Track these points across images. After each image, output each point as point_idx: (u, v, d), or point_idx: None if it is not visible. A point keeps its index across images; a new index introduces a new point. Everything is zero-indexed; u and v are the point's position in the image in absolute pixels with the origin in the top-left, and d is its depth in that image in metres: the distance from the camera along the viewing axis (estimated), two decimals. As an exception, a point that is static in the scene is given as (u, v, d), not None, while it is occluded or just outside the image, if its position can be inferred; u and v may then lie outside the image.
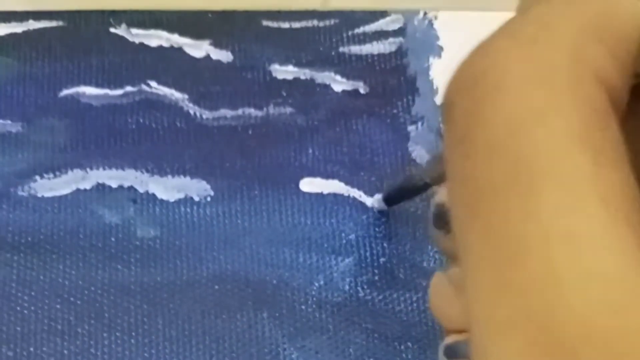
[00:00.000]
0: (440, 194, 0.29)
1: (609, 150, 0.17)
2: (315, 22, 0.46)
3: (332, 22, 0.46)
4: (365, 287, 0.40)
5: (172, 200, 0.42)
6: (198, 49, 0.45)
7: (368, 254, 0.41)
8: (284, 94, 0.44)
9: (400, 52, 0.46)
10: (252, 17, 0.46)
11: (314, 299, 0.40)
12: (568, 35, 0.18)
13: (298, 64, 0.45)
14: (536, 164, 0.17)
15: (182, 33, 0.46)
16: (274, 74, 0.45)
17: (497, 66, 0.18)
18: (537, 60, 0.18)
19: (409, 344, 0.40)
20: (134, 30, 0.45)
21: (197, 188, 0.42)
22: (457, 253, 0.23)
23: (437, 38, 0.47)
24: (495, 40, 0.19)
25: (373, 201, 0.42)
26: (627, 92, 0.19)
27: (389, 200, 0.42)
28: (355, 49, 0.46)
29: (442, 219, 0.28)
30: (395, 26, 0.47)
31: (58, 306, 0.39)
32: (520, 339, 0.17)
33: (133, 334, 0.39)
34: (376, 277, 0.41)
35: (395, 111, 0.44)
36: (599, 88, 0.18)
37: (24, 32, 0.45)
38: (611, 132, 0.18)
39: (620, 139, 0.18)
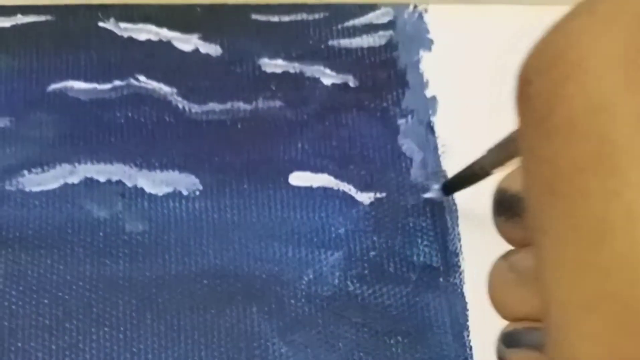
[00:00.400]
0: (502, 180, 0.28)
1: None
2: (304, 16, 0.46)
3: (322, 15, 0.46)
4: (354, 281, 0.40)
5: (160, 194, 0.41)
6: (187, 42, 0.45)
7: (357, 248, 0.41)
8: (273, 87, 0.44)
9: (390, 46, 0.46)
10: (241, 10, 0.46)
11: (303, 293, 0.40)
12: None
13: (287, 57, 0.45)
14: (619, 143, 0.17)
15: (171, 27, 0.45)
16: (263, 68, 0.45)
17: (577, 44, 0.18)
18: (618, 39, 0.18)
19: (399, 338, 0.39)
20: (123, 25, 0.45)
21: (186, 182, 0.42)
22: (527, 238, 0.22)
23: (428, 31, 0.46)
24: (574, 18, 0.19)
25: (433, 190, 0.42)
26: None
27: (447, 188, 0.42)
28: (345, 42, 0.46)
29: (503, 205, 0.27)
30: (385, 19, 0.47)
31: (46, 301, 0.39)
32: (604, 319, 0.17)
33: (121, 328, 0.39)
34: (366, 271, 0.40)
35: (385, 105, 0.44)
36: None
37: (12, 27, 0.45)
38: None
39: None
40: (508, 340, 0.30)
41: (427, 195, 0.42)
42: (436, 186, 0.42)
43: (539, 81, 0.18)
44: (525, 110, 0.19)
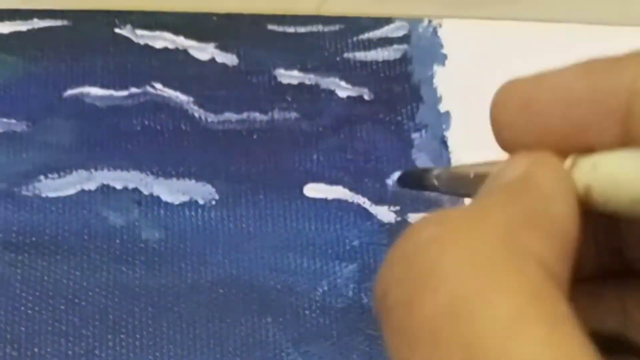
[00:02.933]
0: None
1: (562, 322, 0.17)
2: (320, 27, 0.47)
3: (337, 27, 0.47)
4: (369, 293, 0.41)
5: (176, 203, 0.42)
6: (203, 51, 0.45)
7: (372, 260, 0.41)
8: (289, 99, 0.45)
9: (404, 60, 0.46)
10: (257, 20, 0.46)
11: (318, 304, 0.40)
12: (500, 223, 0.18)
13: (303, 69, 0.45)
14: (487, 349, 0.16)
15: (187, 35, 0.46)
16: (279, 79, 0.45)
17: (428, 253, 0.18)
18: (470, 246, 0.18)
19: (412, 351, 0.40)
20: (139, 32, 0.45)
21: (202, 191, 0.42)
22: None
23: (442, 46, 0.47)
24: (424, 228, 0.19)
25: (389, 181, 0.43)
26: (569, 281, 0.19)
27: (401, 181, 0.42)
28: (360, 55, 0.46)
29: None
30: (400, 33, 0.47)
31: (62, 307, 0.39)
32: None
33: (138, 336, 0.39)
34: (380, 284, 0.41)
35: (399, 118, 0.45)
36: (537, 269, 0.18)
37: (29, 31, 0.45)
38: (560, 304, 0.17)
39: (571, 311, 0.17)
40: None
41: (390, 185, 0.42)
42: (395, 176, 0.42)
43: (395, 292, 0.18)
44: (386, 322, 0.18)
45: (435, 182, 0.38)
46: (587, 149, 0.21)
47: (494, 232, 0.18)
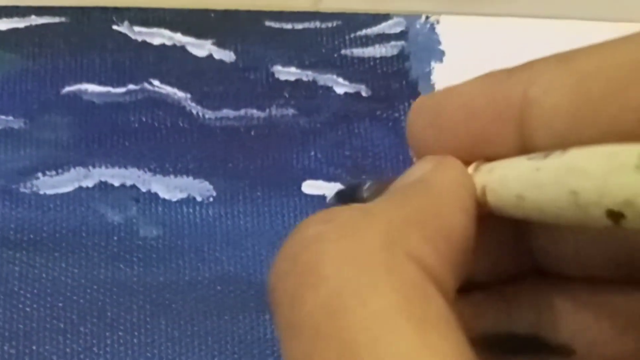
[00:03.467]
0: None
1: (434, 322, 0.17)
2: (317, 24, 0.47)
3: (335, 24, 0.47)
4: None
5: (174, 200, 0.42)
6: (201, 48, 0.45)
7: (369, 257, 0.41)
8: (287, 95, 0.45)
9: (402, 56, 0.46)
10: (254, 17, 0.46)
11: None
12: (384, 223, 0.19)
13: (300, 65, 0.45)
14: (360, 345, 0.17)
15: (185, 32, 0.46)
16: (276, 75, 0.45)
17: (311, 250, 0.18)
18: (351, 244, 0.18)
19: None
20: (137, 28, 0.45)
21: (200, 188, 0.42)
22: None
23: (439, 42, 0.47)
24: (309, 224, 0.19)
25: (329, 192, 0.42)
26: (456, 276, 0.19)
27: (338, 196, 0.42)
28: (358, 51, 0.46)
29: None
30: (398, 29, 0.47)
31: (60, 304, 0.39)
32: None
33: (136, 333, 0.39)
34: (377, 281, 0.41)
35: (397, 115, 0.45)
36: (415, 267, 0.18)
37: (26, 28, 0.45)
38: (435, 305, 0.18)
39: (448, 313, 0.18)
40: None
41: (328, 201, 0.42)
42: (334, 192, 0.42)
43: (281, 287, 0.19)
44: (275, 316, 0.19)
45: (365, 195, 0.38)
46: (492, 159, 0.22)
47: (376, 231, 0.19)
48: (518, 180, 0.20)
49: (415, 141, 0.23)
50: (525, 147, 0.21)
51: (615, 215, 0.18)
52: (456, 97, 0.22)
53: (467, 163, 0.22)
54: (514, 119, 0.21)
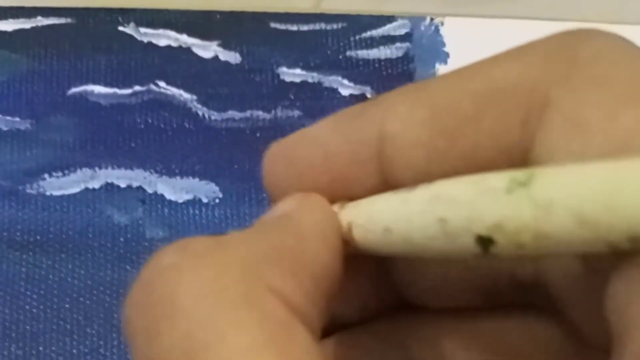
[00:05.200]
0: None
1: (299, 356, 0.17)
2: (322, 26, 0.47)
3: (340, 25, 0.47)
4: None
5: (180, 201, 0.42)
6: (206, 49, 0.45)
7: (375, 259, 0.41)
8: (292, 97, 0.45)
9: (406, 58, 0.46)
10: (260, 18, 0.47)
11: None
12: (241, 256, 0.18)
13: (306, 67, 0.46)
14: None
15: (191, 33, 0.46)
16: (281, 77, 0.45)
17: (166, 280, 0.17)
18: (207, 278, 0.17)
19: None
20: (143, 30, 0.45)
21: (206, 190, 0.42)
22: None
23: (444, 44, 0.47)
24: (164, 253, 0.18)
25: None
26: (320, 313, 0.19)
27: None
28: (363, 53, 0.46)
29: None
30: (402, 31, 0.47)
31: (67, 305, 0.39)
32: None
33: (142, 335, 0.39)
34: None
35: (401, 117, 0.45)
36: (277, 302, 0.17)
37: (32, 29, 0.45)
38: (301, 342, 0.17)
39: (313, 348, 0.17)
40: None
41: None
42: None
43: (135, 320, 0.18)
44: (131, 350, 0.18)
45: None
46: (356, 198, 0.21)
47: (234, 263, 0.17)
48: (385, 213, 0.19)
49: (272, 188, 0.22)
50: (387, 185, 0.20)
51: (484, 242, 0.17)
52: (310, 141, 0.21)
53: (330, 203, 0.21)
54: (372, 157, 0.20)
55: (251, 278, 0.17)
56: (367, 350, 0.23)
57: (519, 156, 0.19)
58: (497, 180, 0.17)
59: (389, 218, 0.19)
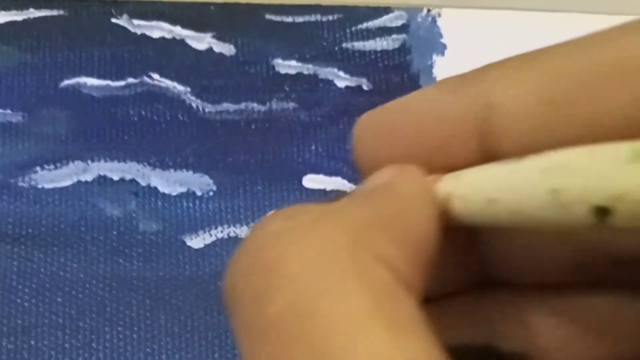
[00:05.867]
0: None
1: (407, 322, 0.17)
2: (318, 17, 0.46)
3: (336, 17, 0.46)
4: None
5: (174, 194, 0.41)
6: (200, 41, 0.45)
7: (371, 252, 0.41)
8: (287, 89, 0.44)
9: (403, 49, 0.46)
10: (254, 10, 0.46)
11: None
12: (350, 223, 0.18)
13: (301, 58, 0.45)
14: (332, 345, 0.16)
15: (184, 25, 0.45)
16: (276, 69, 0.45)
17: (275, 246, 0.18)
18: (315, 245, 0.17)
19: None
20: (136, 21, 0.45)
21: (200, 182, 0.42)
22: None
23: (441, 36, 0.46)
24: (272, 221, 0.19)
25: None
26: (422, 282, 0.19)
27: None
28: (359, 45, 0.46)
29: None
30: (399, 23, 0.47)
31: (59, 299, 0.39)
32: None
33: (135, 328, 0.39)
34: (379, 276, 0.41)
35: (398, 109, 0.44)
36: (383, 268, 0.17)
37: (24, 21, 0.44)
38: (406, 307, 0.17)
39: (419, 315, 0.17)
40: None
41: None
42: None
43: (242, 286, 0.18)
44: (235, 316, 0.18)
45: None
46: (452, 170, 0.21)
47: (342, 231, 0.18)
48: (490, 184, 0.19)
49: (364, 159, 0.22)
50: (486, 157, 0.20)
51: (601, 212, 0.17)
52: (407, 111, 0.21)
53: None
54: (474, 128, 0.20)
55: (358, 245, 0.17)
56: (450, 324, 0.23)
57: (634, 131, 0.18)
58: (617, 150, 0.17)
59: (494, 188, 0.19)
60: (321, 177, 0.42)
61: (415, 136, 0.21)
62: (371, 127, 0.22)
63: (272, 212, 0.19)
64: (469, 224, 0.20)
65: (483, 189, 0.19)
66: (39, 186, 0.41)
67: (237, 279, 0.18)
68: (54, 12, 0.45)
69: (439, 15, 0.47)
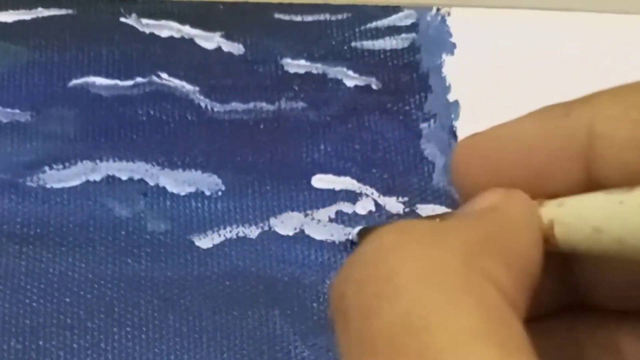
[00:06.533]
0: None
1: (515, 345, 0.17)
2: (327, 16, 0.46)
3: (345, 16, 0.46)
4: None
5: (183, 194, 0.41)
6: (209, 40, 0.45)
7: (380, 252, 0.41)
8: (296, 88, 0.44)
9: (412, 49, 0.46)
10: (263, 9, 0.46)
11: (326, 296, 0.40)
12: (462, 242, 0.18)
13: (310, 58, 0.45)
14: None
15: (193, 24, 0.45)
16: (285, 68, 0.45)
17: (388, 259, 0.18)
18: (429, 260, 0.18)
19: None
20: (145, 21, 0.45)
21: (208, 182, 0.42)
22: None
23: (450, 35, 0.46)
24: (386, 234, 0.19)
25: (349, 233, 0.41)
26: (525, 305, 0.19)
27: (362, 237, 0.41)
28: (368, 44, 0.46)
29: None
30: (408, 22, 0.46)
31: (67, 300, 0.39)
32: None
33: (144, 329, 0.38)
34: (388, 276, 0.40)
35: (407, 108, 0.44)
36: (495, 292, 0.18)
37: (33, 20, 0.44)
38: (515, 329, 0.17)
39: (526, 336, 0.17)
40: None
41: (350, 237, 0.41)
42: (357, 229, 0.41)
43: (352, 295, 0.18)
44: (342, 325, 0.18)
45: None
46: (553, 196, 0.21)
47: (454, 249, 0.18)
48: (596, 213, 0.19)
49: (464, 181, 0.23)
50: (590, 184, 0.21)
51: None
52: (511, 136, 0.22)
53: None
54: (578, 155, 0.21)
55: (470, 264, 0.18)
56: (543, 347, 0.23)
57: None
58: None
59: (600, 218, 0.19)
60: (330, 176, 0.42)
61: (518, 161, 0.21)
62: (472, 151, 0.23)
63: (385, 225, 0.19)
64: (569, 251, 0.21)
65: (588, 218, 0.20)
66: (47, 186, 0.41)
67: (347, 288, 0.18)
68: (63, 12, 0.45)
69: (449, 14, 0.47)
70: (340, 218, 0.41)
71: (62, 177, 0.41)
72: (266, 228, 0.41)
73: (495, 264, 0.18)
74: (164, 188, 0.41)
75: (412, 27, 0.46)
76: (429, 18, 0.47)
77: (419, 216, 0.42)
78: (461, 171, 0.23)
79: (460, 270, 0.18)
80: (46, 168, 0.41)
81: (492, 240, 0.19)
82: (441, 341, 0.16)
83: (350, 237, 0.41)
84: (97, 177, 0.41)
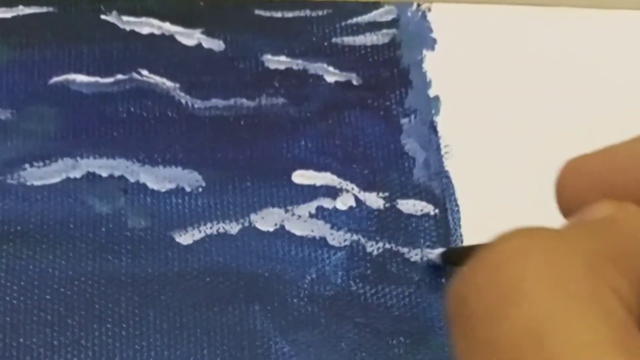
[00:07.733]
0: None
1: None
2: (307, 12, 0.46)
3: (325, 12, 0.46)
4: (357, 281, 0.40)
5: (163, 190, 0.41)
6: (189, 37, 0.45)
7: (360, 247, 0.41)
8: (277, 84, 0.44)
9: (393, 44, 0.46)
10: (244, 6, 0.46)
11: (306, 292, 0.40)
12: (584, 251, 0.18)
13: (290, 54, 0.45)
14: None
15: (174, 21, 0.45)
16: (266, 64, 0.45)
17: (513, 266, 0.18)
18: (556, 268, 0.18)
19: (401, 338, 0.39)
20: (125, 18, 0.45)
21: (189, 178, 0.42)
22: None
23: (431, 30, 0.46)
24: (512, 238, 0.19)
25: (428, 253, 0.41)
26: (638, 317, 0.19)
27: (445, 257, 0.41)
28: (348, 40, 0.46)
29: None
30: (389, 17, 0.47)
31: (48, 297, 0.39)
32: None
33: (124, 325, 0.38)
34: (368, 271, 0.40)
35: (388, 103, 0.44)
36: (617, 301, 0.18)
37: (13, 18, 0.44)
38: (639, 339, 0.17)
39: None
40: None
41: (430, 256, 0.41)
42: (438, 250, 0.41)
43: (475, 299, 0.18)
44: (463, 330, 0.18)
45: None
46: None
47: (578, 257, 0.18)
48: None
49: (571, 203, 0.23)
50: None
51: None
52: (623, 158, 0.22)
53: None
54: None
55: (595, 274, 0.18)
56: None
57: None
58: None
59: None
60: (311, 172, 0.42)
61: (633, 183, 0.22)
62: (580, 172, 0.23)
63: (508, 230, 0.19)
64: None
65: None
66: (28, 183, 0.41)
67: (470, 291, 0.18)
68: (43, 9, 0.45)
69: (429, 9, 0.47)
70: (321, 214, 0.41)
71: (42, 175, 0.41)
72: (247, 224, 0.41)
73: (616, 274, 0.18)
74: (144, 185, 0.41)
75: (393, 23, 0.46)
76: (409, 14, 0.47)
77: (399, 211, 0.42)
78: (568, 192, 0.23)
79: (587, 279, 0.18)
80: (27, 165, 0.41)
81: (612, 251, 0.19)
82: (567, 352, 0.16)
83: (430, 257, 0.41)
84: (77, 174, 0.41)
